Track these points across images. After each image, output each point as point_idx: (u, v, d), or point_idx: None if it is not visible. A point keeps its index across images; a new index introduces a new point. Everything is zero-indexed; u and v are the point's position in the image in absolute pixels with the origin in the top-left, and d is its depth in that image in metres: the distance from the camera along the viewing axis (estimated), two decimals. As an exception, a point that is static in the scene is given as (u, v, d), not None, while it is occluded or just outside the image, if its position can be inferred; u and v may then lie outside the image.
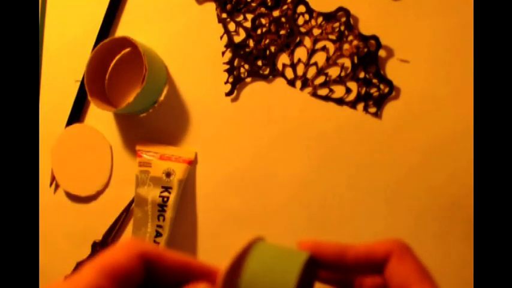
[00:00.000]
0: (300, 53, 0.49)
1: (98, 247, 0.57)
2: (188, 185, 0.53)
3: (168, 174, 0.52)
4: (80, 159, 0.58)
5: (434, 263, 0.45)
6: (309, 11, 0.48)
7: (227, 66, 0.52)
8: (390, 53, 0.46)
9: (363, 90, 0.47)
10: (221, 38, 0.52)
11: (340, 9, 0.47)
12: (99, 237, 0.57)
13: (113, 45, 0.54)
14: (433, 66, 0.45)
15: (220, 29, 0.52)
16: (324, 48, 0.48)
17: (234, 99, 0.52)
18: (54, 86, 0.61)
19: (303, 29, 0.49)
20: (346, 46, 0.47)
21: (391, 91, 0.46)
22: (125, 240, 0.22)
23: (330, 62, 0.48)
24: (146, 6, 0.56)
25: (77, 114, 0.59)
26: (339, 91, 0.48)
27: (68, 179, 0.59)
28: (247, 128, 0.51)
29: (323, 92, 0.48)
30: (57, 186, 0.60)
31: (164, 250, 0.23)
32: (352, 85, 0.47)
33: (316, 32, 0.48)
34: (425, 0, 0.45)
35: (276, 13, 0.50)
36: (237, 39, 0.52)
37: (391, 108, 0.46)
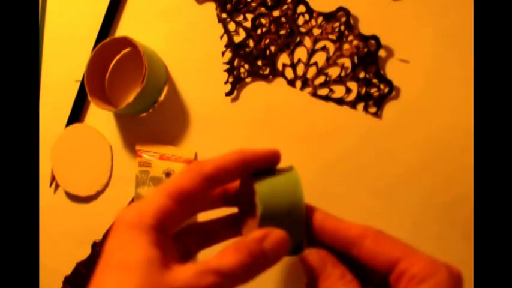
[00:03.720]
0: (300, 53, 0.49)
1: (97, 247, 0.57)
2: (188, 185, 0.53)
3: (168, 174, 0.52)
4: (80, 159, 0.58)
5: (434, 263, 0.45)
6: (309, 11, 0.48)
7: (227, 66, 0.52)
8: (390, 53, 0.46)
9: (363, 90, 0.47)
10: (221, 38, 0.52)
11: (340, 9, 0.47)
12: (99, 237, 0.57)
13: (113, 45, 0.54)
14: (433, 66, 0.45)
15: (220, 29, 0.52)
16: (324, 48, 0.48)
17: (234, 99, 0.52)
18: (54, 86, 0.61)
19: (303, 29, 0.49)
20: (346, 46, 0.47)
21: (391, 91, 0.46)
22: (187, 166, 0.25)
23: (330, 62, 0.48)
24: (146, 6, 0.56)
25: (77, 114, 0.59)
26: (339, 91, 0.48)
27: (68, 179, 0.59)
28: (247, 128, 0.51)
29: (323, 92, 0.48)
30: (57, 186, 0.60)
31: (218, 161, 0.25)
32: (352, 85, 0.47)
33: (316, 32, 0.48)
34: (425, 0, 0.45)
35: (276, 13, 0.50)
36: (237, 39, 0.52)
37: (391, 108, 0.46)
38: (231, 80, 0.52)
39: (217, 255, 0.22)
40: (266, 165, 0.27)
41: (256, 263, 0.22)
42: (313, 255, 0.24)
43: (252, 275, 0.23)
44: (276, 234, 0.24)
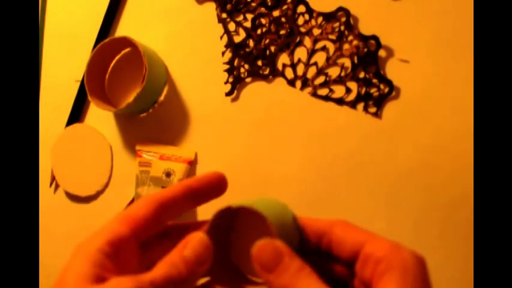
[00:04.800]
0: (300, 53, 0.49)
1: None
2: (188, 185, 0.53)
3: (168, 174, 0.52)
4: (80, 159, 0.58)
5: (434, 263, 0.44)
6: (309, 11, 0.48)
7: (227, 66, 0.52)
8: (390, 53, 0.46)
9: (363, 90, 0.47)
10: (221, 38, 0.52)
11: (340, 9, 0.47)
12: (99, 237, 0.57)
13: (113, 45, 0.54)
14: (433, 66, 0.45)
15: (220, 29, 0.52)
16: (324, 48, 0.48)
17: (234, 99, 0.52)
18: (54, 86, 0.61)
19: (303, 29, 0.49)
20: (346, 46, 0.47)
21: (391, 91, 0.46)
22: (143, 196, 0.26)
23: (330, 62, 0.48)
24: (146, 6, 0.56)
25: (77, 114, 0.59)
26: (339, 91, 0.48)
27: (68, 179, 0.59)
28: (247, 128, 0.51)
29: (323, 92, 0.48)
30: (57, 186, 0.60)
31: (170, 191, 0.26)
32: (352, 85, 0.47)
33: (316, 32, 0.48)
34: (425, 0, 0.45)
35: (276, 13, 0.50)
36: (237, 39, 0.52)
37: (391, 108, 0.46)
38: (231, 80, 0.52)
39: (154, 268, 0.23)
40: (212, 188, 0.28)
41: (181, 271, 0.23)
42: (267, 246, 0.23)
43: (185, 283, 0.23)
44: (194, 239, 0.24)
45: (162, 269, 0.23)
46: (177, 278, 0.23)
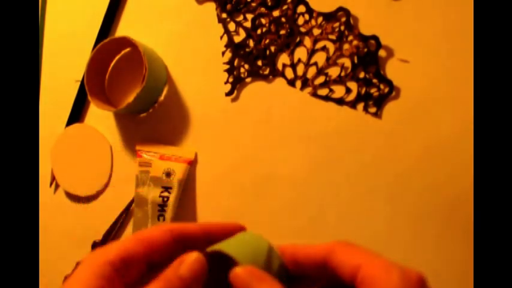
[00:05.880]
0: (300, 53, 0.49)
1: (97, 247, 0.57)
2: (188, 185, 0.53)
3: (168, 174, 0.52)
4: (80, 159, 0.58)
5: (434, 263, 0.45)
6: (309, 11, 0.48)
7: (227, 66, 0.52)
8: (390, 53, 0.46)
9: (363, 90, 0.47)
10: (221, 38, 0.52)
11: (340, 9, 0.47)
12: (99, 237, 0.57)
13: (113, 45, 0.54)
14: (433, 66, 0.45)
15: (220, 29, 0.52)
16: (324, 48, 0.48)
17: (234, 99, 0.52)
18: (54, 86, 0.61)
19: (303, 29, 0.49)
20: (346, 46, 0.47)
21: (391, 91, 0.46)
22: (162, 223, 0.27)
23: (330, 62, 0.48)
24: (146, 6, 0.56)
25: (77, 114, 0.59)
26: (339, 91, 0.48)
27: (68, 179, 0.59)
28: (247, 128, 0.51)
29: (323, 92, 0.48)
30: (57, 186, 0.60)
31: (188, 226, 0.27)
32: (352, 85, 0.47)
33: (316, 32, 0.48)
34: (425, 0, 0.45)
35: (276, 13, 0.50)
36: (237, 39, 0.52)
37: (391, 108, 0.46)
38: (231, 80, 0.52)
39: (149, 285, 0.24)
40: (230, 235, 0.28)
41: None
42: (239, 272, 0.24)
43: None
44: (190, 258, 0.25)
45: (157, 286, 0.23)
46: None
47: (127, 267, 0.24)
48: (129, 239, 0.25)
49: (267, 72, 0.50)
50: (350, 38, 0.47)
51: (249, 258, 0.25)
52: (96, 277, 0.23)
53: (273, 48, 0.50)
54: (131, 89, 0.56)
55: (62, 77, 0.60)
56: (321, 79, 0.48)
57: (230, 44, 0.52)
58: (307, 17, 0.49)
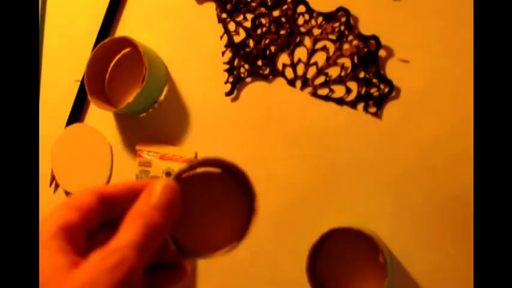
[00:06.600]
0: (300, 53, 0.49)
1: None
2: (188, 185, 0.53)
3: (168, 174, 0.52)
4: (80, 159, 0.58)
5: (434, 262, 0.45)
6: (309, 11, 0.48)
7: (227, 66, 0.52)
8: (390, 53, 0.46)
9: (363, 90, 0.47)
10: (221, 38, 0.52)
11: (340, 9, 0.47)
12: (99, 237, 0.57)
13: (113, 45, 0.54)
14: (433, 66, 0.45)
15: (220, 29, 0.52)
16: (324, 48, 0.48)
17: (234, 99, 0.52)
18: (54, 86, 0.61)
19: (303, 29, 0.49)
20: (346, 46, 0.47)
21: (391, 91, 0.46)
22: (86, 188, 0.26)
23: (330, 62, 0.48)
24: (146, 6, 0.56)
25: (77, 114, 0.59)
26: (339, 91, 0.48)
27: (68, 179, 0.59)
28: (247, 128, 0.51)
29: (323, 92, 0.48)
30: (57, 186, 0.60)
31: (111, 185, 0.26)
32: (352, 85, 0.47)
33: (316, 32, 0.48)
34: (425, 0, 0.45)
35: (276, 13, 0.50)
36: (237, 39, 0.52)
37: (391, 108, 0.46)
38: (231, 80, 0.52)
39: (116, 234, 0.22)
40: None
41: (156, 220, 0.22)
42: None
43: (163, 233, 0.23)
44: (158, 186, 0.24)
45: (135, 226, 0.22)
46: (155, 229, 0.22)
47: (69, 236, 0.23)
48: (62, 207, 0.24)
49: (267, 72, 0.50)
50: (350, 38, 0.47)
51: None
52: (55, 252, 0.21)
53: (273, 48, 0.50)
54: (131, 89, 0.56)
55: (62, 77, 0.60)
56: (321, 79, 0.48)
57: (230, 44, 0.52)
58: (307, 17, 0.49)
